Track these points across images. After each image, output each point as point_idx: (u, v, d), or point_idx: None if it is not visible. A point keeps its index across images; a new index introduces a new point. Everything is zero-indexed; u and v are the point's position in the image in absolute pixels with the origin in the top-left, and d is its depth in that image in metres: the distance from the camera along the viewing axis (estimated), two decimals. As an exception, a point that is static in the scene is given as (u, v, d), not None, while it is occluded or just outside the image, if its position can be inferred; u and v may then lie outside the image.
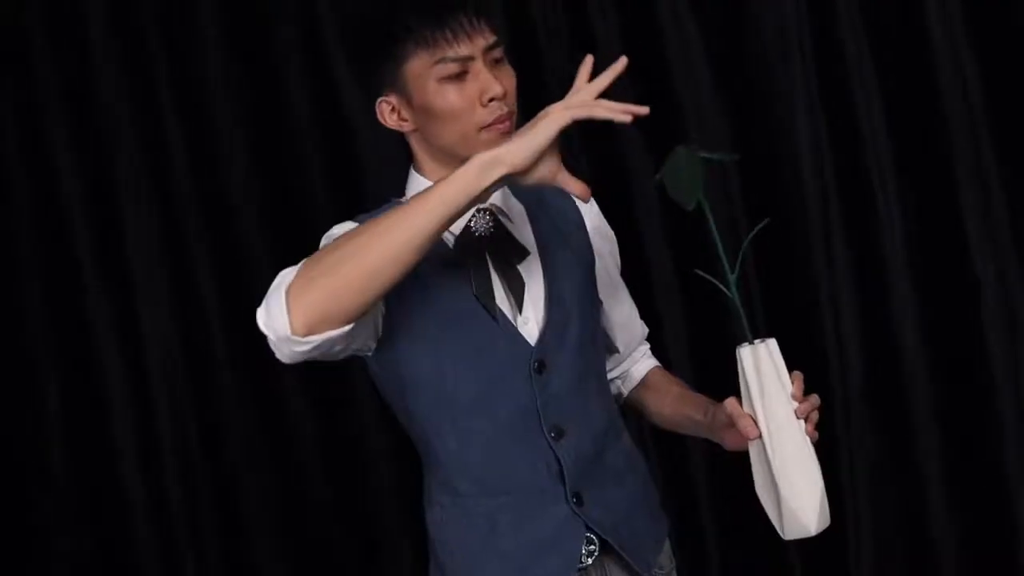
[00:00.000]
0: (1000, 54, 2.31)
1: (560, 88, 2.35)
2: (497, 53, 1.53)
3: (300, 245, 1.53)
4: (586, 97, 1.35)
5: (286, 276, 1.35)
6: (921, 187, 2.36)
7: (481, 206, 1.59)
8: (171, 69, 2.52)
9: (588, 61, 1.41)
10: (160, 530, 2.56)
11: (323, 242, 1.54)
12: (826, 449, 2.31)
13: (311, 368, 1.53)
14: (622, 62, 1.37)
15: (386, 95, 1.56)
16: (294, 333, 1.31)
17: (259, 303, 1.35)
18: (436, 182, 1.37)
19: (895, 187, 2.36)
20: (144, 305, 2.54)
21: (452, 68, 1.49)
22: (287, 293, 1.31)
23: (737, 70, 2.43)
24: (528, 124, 1.35)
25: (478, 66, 1.50)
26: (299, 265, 1.35)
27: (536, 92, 2.40)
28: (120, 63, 2.52)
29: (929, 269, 2.39)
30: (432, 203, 1.34)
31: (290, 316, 1.31)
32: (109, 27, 2.51)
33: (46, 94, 2.52)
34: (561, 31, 2.48)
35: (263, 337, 1.35)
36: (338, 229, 1.54)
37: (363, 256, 1.32)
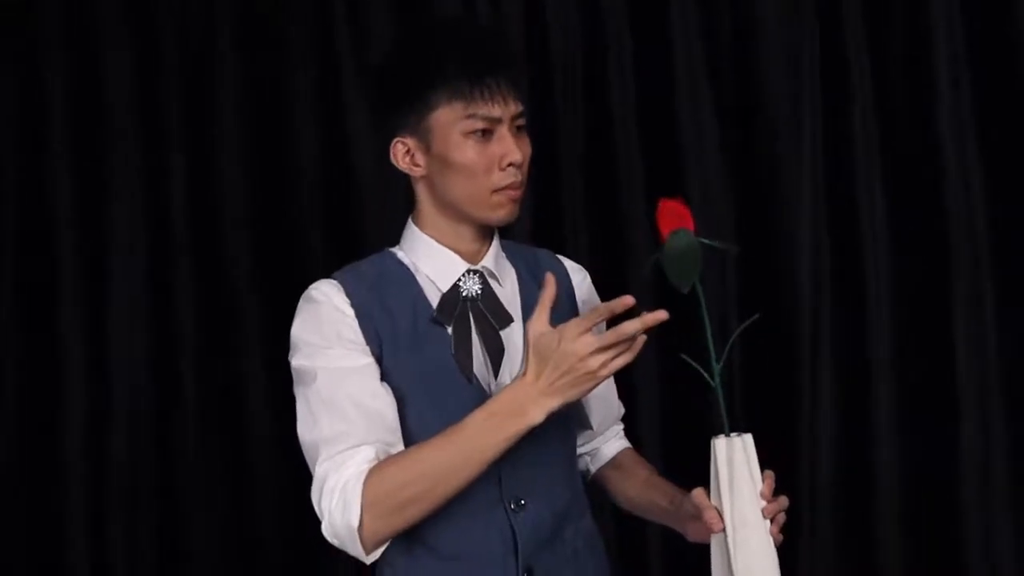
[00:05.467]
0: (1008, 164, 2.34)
1: (572, 156, 2.45)
2: (521, 122, 1.56)
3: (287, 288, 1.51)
4: (621, 354, 1.37)
5: (349, 498, 1.43)
6: (916, 301, 2.37)
7: (472, 267, 1.59)
8: (185, 107, 2.55)
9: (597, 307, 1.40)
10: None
11: (301, 303, 1.56)
12: (785, 556, 2.32)
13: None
14: (659, 315, 1.36)
15: (403, 136, 1.56)
16: (367, 554, 1.47)
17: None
18: (489, 417, 1.42)
19: (889, 299, 2.36)
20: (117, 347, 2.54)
21: (479, 125, 1.51)
22: (360, 528, 1.44)
23: (748, 162, 2.44)
24: (564, 366, 1.37)
25: (503, 130, 1.52)
26: (359, 494, 1.43)
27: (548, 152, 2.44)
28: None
29: (913, 383, 2.38)
30: (488, 448, 1.42)
31: (364, 546, 1.45)
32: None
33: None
34: (577, 106, 2.50)
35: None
36: (316, 293, 1.55)
37: (429, 498, 1.44)
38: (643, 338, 1.37)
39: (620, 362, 1.37)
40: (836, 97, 2.40)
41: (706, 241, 1.43)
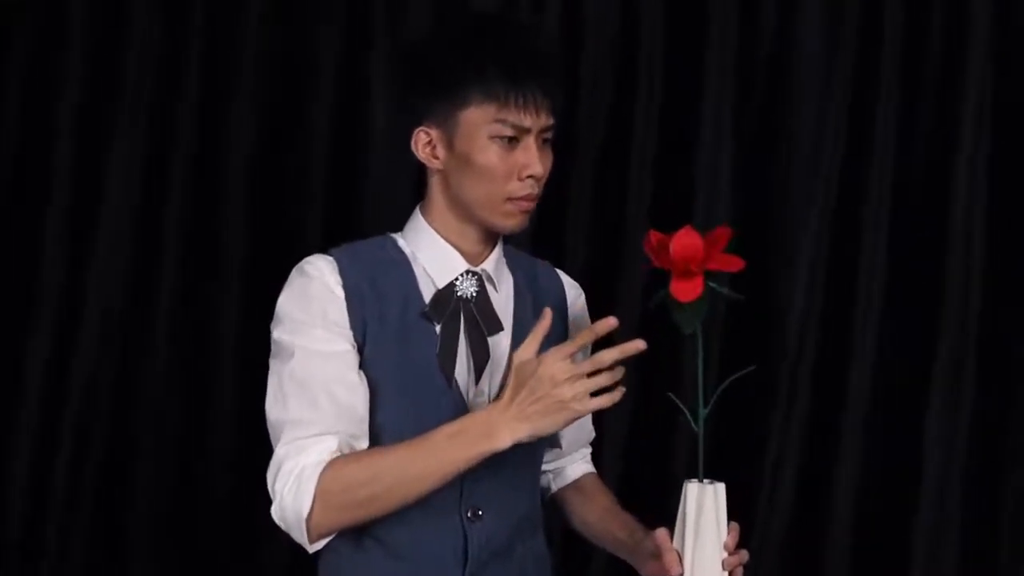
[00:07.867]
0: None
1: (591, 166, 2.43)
2: (548, 135, 1.54)
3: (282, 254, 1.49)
4: (598, 396, 1.37)
5: (303, 485, 1.43)
6: (894, 387, 2.41)
7: (472, 268, 1.57)
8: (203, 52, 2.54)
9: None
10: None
11: (293, 275, 1.53)
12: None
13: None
14: (636, 344, 1.37)
15: (427, 126, 1.54)
16: (311, 543, 1.46)
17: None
18: (457, 433, 1.42)
19: (871, 376, 2.37)
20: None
21: (507, 131, 1.49)
22: (309, 518, 1.43)
23: (759, 208, 2.44)
24: (539, 391, 1.37)
25: (530, 141, 1.51)
26: (313, 483, 1.42)
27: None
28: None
29: (880, 458, 2.40)
30: (450, 464, 1.42)
31: (309, 535, 1.45)
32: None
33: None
34: (601, 111, 2.50)
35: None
36: (309, 267, 1.53)
37: (382, 502, 1.44)
38: (622, 389, 1.38)
39: (597, 403, 1.38)
40: (861, 121, 2.42)
41: (714, 286, 1.42)
